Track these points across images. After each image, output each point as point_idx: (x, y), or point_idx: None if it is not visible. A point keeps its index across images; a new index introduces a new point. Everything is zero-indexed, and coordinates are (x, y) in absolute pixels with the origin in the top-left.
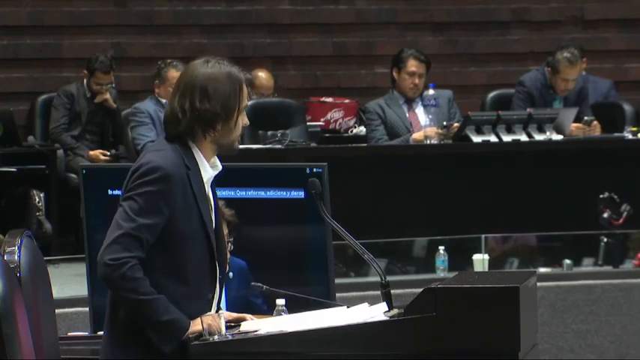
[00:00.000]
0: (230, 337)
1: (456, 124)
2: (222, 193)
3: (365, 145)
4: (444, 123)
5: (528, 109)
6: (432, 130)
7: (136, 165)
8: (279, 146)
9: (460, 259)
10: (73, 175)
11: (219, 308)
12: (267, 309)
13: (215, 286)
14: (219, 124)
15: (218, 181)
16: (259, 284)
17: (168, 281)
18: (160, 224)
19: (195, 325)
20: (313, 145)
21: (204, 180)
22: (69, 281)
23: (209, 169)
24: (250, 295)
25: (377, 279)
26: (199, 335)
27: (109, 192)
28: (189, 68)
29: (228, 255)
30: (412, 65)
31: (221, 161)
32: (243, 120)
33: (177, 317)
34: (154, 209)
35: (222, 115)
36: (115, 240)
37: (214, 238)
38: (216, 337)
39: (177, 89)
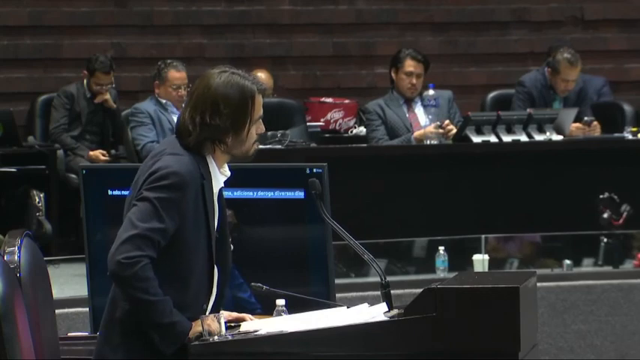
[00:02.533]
0: (230, 337)
1: (447, 122)
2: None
3: (365, 145)
4: (438, 123)
5: (528, 110)
6: (432, 130)
7: (154, 167)
8: (279, 146)
9: (460, 260)
10: (73, 175)
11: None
12: (255, 301)
13: (210, 297)
14: (230, 138)
15: None
16: (259, 284)
17: (169, 288)
18: (171, 230)
19: (196, 327)
20: (313, 145)
21: (215, 190)
22: (69, 281)
23: (220, 178)
24: (237, 291)
25: (377, 279)
26: (199, 336)
27: (109, 192)
28: (203, 79)
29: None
30: (409, 65)
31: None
32: (258, 128)
33: (180, 320)
34: (167, 214)
35: (232, 131)
36: (129, 239)
37: (217, 249)
38: (216, 337)
39: (190, 100)
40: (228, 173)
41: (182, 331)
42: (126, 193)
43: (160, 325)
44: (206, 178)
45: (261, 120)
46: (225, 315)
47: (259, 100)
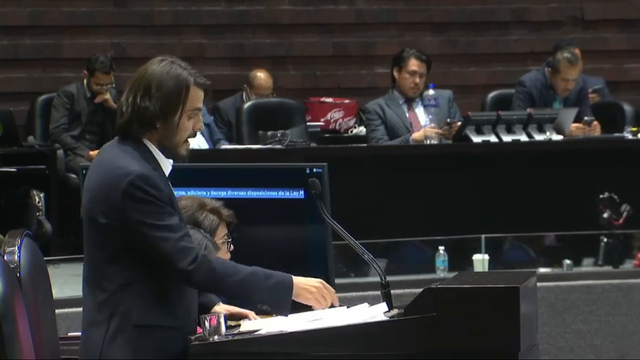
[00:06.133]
0: (230, 337)
1: (458, 123)
2: (223, 193)
3: (365, 145)
4: (447, 120)
5: (528, 110)
6: (432, 130)
7: (119, 186)
8: (279, 146)
9: (460, 259)
10: (73, 175)
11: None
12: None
13: None
14: (159, 124)
15: (218, 182)
16: None
17: (157, 276)
18: (178, 220)
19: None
20: (313, 145)
21: (166, 174)
22: (69, 281)
23: (166, 163)
24: None
25: (377, 279)
26: (199, 335)
27: None
28: (144, 65)
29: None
30: (413, 64)
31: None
32: (196, 125)
33: (280, 278)
34: (166, 213)
35: (161, 115)
36: (172, 252)
37: None
38: (216, 337)
39: (129, 84)
40: (171, 160)
41: (287, 284)
42: None
43: (266, 290)
44: (155, 168)
45: (200, 116)
46: (230, 309)
47: (197, 93)
